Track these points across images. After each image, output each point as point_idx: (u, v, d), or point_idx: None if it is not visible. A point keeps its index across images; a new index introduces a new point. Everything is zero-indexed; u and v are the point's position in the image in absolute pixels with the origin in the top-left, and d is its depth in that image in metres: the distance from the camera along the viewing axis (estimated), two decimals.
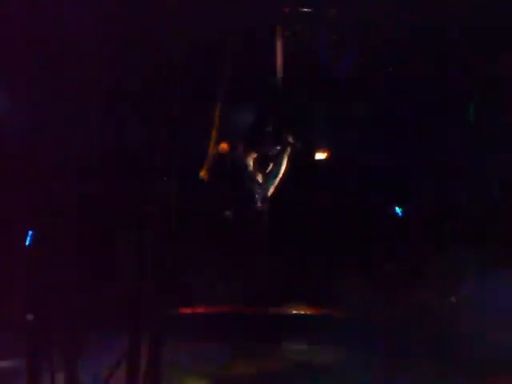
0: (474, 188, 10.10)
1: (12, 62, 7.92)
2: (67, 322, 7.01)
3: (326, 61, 10.25)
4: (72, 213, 7.35)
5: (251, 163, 9.86)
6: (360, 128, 10.33)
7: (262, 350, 8.98)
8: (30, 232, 7.94)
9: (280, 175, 9.85)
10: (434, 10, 9.18)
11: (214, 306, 9.86)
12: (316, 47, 10.26)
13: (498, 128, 9.96)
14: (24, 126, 8.09)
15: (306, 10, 9.64)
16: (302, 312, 9.85)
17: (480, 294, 9.40)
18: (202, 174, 9.57)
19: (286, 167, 9.86)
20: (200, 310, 9.79)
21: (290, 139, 9.83)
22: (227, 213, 10.41)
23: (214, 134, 9.58)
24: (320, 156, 10.51)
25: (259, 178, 9.84)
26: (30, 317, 7.07)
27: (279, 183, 9.85)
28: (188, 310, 9.68)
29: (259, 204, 9.81)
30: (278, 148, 9.86)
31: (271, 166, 9.89)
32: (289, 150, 9.80)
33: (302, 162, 10.16)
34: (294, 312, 9.86)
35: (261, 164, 9.89)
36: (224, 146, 9.74)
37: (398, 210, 10.57)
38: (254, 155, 9.85)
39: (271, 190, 9.85)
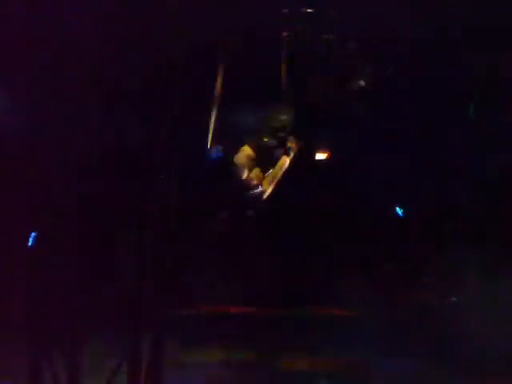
0: (474, 188, 10.10)
1: (12, 62, 7.92)
2: (67, 322, 7.01)
3: (326, 60, 10.23)
4: (72, 213, 7.35)
5: (250, 164, 9.81)
6: (360, 128, 10.33)
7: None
8: (33, 234, 7.95)
9: (279, 177, 9.81)
10: (435, 10, 9.17)
11: (214, 305, 9.86)
12: (317, 47, 10.24)
13: (498, 128, 9.96)
14: (24, 126, 8.08)
15: (307, 10, 9.63)
16: (303, 313, 9.85)
17: (480, 294, 9.40)
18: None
19: (287, 168, 9.83)
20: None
21: (293, 143, 9.79)
22: (224, 214, 10.40)
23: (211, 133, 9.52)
24: (320, 156, 10.50)
25: (256, 180, 9.79)
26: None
27: (278, 184, 9.83)
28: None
29: (255, 204, 9.76)
30: (280, 151, 9.81)
31: (270, 170, 9.85)
32: (291, 154, 9.76)
33: (302, 163, 10.14)
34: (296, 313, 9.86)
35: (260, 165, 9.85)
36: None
37: (398, 210, 10.56)
38: (254, 156, 9.81)
39: (268, 192, 9.81)
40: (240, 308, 9.84)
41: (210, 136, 9.41)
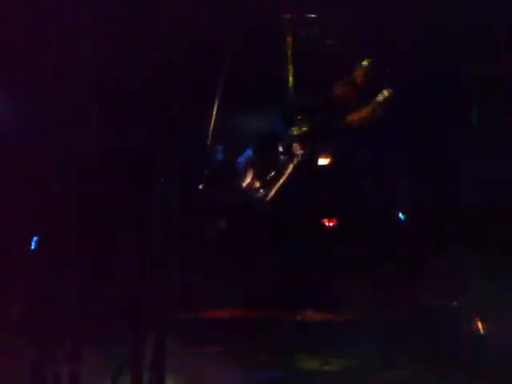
0: (474, 188, 10.09)
1: (12, 62, 7.91)
2: (68, 323, 7.01)
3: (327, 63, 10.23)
4: (72, 213, 7.34)
5: (252, 168, 9.81)
6: (360, 128, 10.32)
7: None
8: (35, 238, 7.96)
9: (281, 181, 9.80)
10: (436, 10, 9.18)
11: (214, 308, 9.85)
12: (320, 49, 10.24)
13: (499, 128, 9.96)
14: (24, 126, 8.08)
15: (309, 14, 9.64)
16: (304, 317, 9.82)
17: (480, 295, 9.39)
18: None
19: (289, 173, 9.82)
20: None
21: (298, 150, 9.78)
22: (225, 216, 10.39)
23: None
24: (323, 162, 10.47)
25: (258, 183, 9.79)
26: None
27: (280, 188, 9.82)
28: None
29: (256, 207, 9.77)
30: (285, 158, 9.80)
31: (273, 173, 9.84)
32: (295, 160, 9.75)
33: (304, 167, 10.14)
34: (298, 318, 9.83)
35: (262, 170, 9.83)
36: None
37: (401, 216, 10.52)
38: (257, 161, 9.80)
39: (270, 195, 9.81)
40: (240, 310, 9.83)
41: (209, 136, 9.43)
